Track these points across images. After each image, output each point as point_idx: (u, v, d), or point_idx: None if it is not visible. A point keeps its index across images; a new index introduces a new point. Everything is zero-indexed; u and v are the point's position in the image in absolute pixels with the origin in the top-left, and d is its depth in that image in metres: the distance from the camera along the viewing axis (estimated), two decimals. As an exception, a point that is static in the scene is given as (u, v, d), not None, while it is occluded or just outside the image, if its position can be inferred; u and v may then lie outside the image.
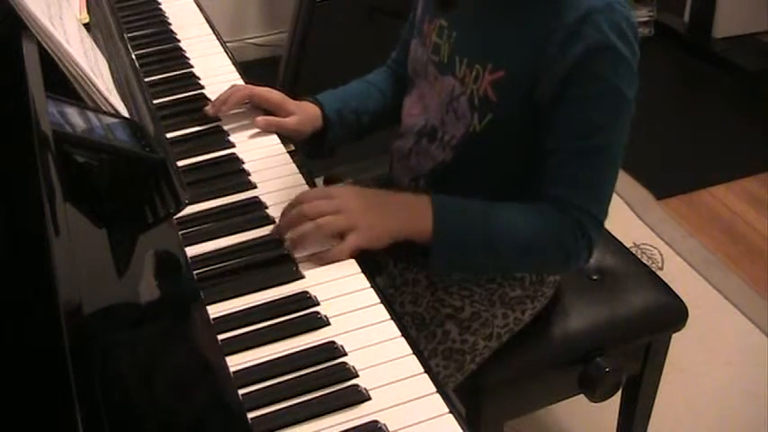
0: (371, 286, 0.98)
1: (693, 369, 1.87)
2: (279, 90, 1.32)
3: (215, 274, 0.99)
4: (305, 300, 0.96)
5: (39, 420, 0.60)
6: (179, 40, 1.51)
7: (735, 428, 1.78)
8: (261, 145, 1.24)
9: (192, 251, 1.01)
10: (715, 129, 2.73)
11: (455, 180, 1.19)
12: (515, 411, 1.40)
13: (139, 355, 0.79)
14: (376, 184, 1.40)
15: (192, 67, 1.43)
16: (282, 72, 2.58)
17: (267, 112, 1.29)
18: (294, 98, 1.32)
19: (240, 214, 1.09)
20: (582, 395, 1.31)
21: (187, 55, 1.46)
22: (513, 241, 1.09)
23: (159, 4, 1.64)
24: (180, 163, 1.14)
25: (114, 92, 1.05)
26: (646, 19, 3.16)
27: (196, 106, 1.31)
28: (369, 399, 0.84)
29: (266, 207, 1.10)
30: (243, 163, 1.19)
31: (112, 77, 1.10)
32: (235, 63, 1.44)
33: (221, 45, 1.50)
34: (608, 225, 1.14)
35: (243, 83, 1.37)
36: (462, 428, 0.82)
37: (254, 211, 1.10)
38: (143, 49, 1.46)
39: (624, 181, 2.44)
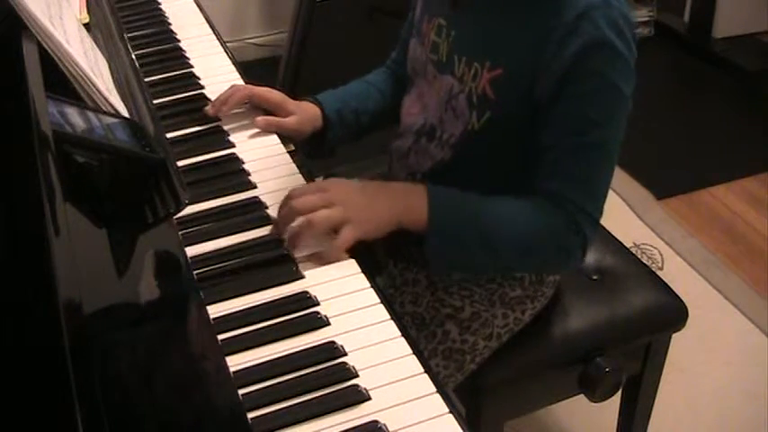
0: (371, 286, 0.98)
1: (693, 369, 1.87)
2: (279, 90, 1.32)
3: (215, 274, 0.99)
4: (305, 300, 0.96)
5: (39, 420, 0.60)
6: (179, 40, 1.51)
7: (735, 428, 1.78)
8: (261, 145, 1.24)
9: (191, 251, 1.01)
10: (715, 129, 2.73)
11: (454, 179, 1.18)
12: (515, 411, 1.40)
13: (139, 355, 0.79)
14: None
15: (192, 67, 1.43)
16: (282, 72, 2.58)
17: (267, 112, 1.29)
18: (294, 98, 1.32)
19: (240, 214, 1.09)
20: (582, 395, 1.31)
21: (187, 55, 1.46)
22: (508, 232, 1.09)
23: (159, 4, 1.64)
24: (180, 163, 1.14)
25: (114, 92, 1.05)
26: (646, 19, 3.16)
27: (196, 106, 1.31)
28: (369, 399, 0.84)
29: (266, 207, 1.10)
30: (243, 163, 1.19)
31: (112, 77, 1.10)
32: (235, 63, 1.44)
33: (221, 45, 1.50)
34: (608, 225, 1.14)
35: (243, 83, 1.37)
36: (462, 428, 0.82)
37: (254, 211, 1.10)
38: (143, 49, 1.46)
39: (624, 181, 2.45)
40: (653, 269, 1.45)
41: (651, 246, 2.21)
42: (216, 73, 1.41)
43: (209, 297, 0.95)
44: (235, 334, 0.91)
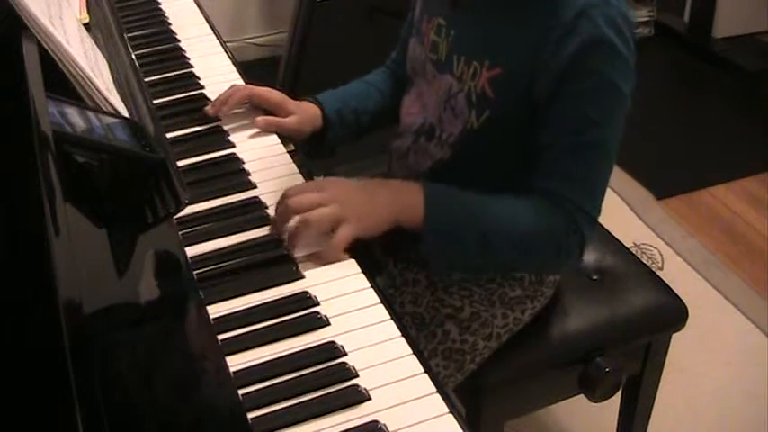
0: (371, 286, 0.98)
1: (693, 369, 1.87)
2: (279, 90, 1.32)
3: (215, 274, 0.99)
4: (305, 300, 0.96)
5: (39, 420, 0.60)
6: (179, 40, 1.51)
7: (735, 428, 1.78)
8: (261, 145, 1.24)
9: (191, 251, 1.01)
10: (715, 129, 2.73)
11: (453, 178, 1.18)
12: (515, 411, 1.40)
13: (139, 355, 0.79)
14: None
15: (192, 67, 1.43)
16: (282, 72, 2.58)
17: (267, 112, 1.29)
18: (294, 98, 1.32)
19: (240, 214, 1.09)
20: (582, 395, 1.31)
21: (187, 55, 1.46)
22: (505, 230, 1.08)
23: (159, 4, 1.64)
24: (180, 163, 1.14)
25: (114, 92, 1.05)
26: (646, 19, 3.16)
27: (196, 106, 1.31)
28: (369, 399, 0.84)
29: (266, 207, 1.10)
30: (243, 163, 1.19)
31: (112, 77, 1.10)
32: (235, 63, 1.44)
33: (221, 45, 1.50)
34: (608, 225, 1.14)
35: (243, 83, 1.37)
36: (462, 428, 0.82)
37: (254, 211, 1.10)
38: (143, 49, 1.46)
39: (624, 181, 2.45)
40: (653, 269, 1.45)
41: (651, 246, 2.21)
42: (216, 73, 1.41)
43: (209, 297, 0.95)
44: (235, 334, 0.91)
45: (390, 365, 0.88)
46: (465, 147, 1.16)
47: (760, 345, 1.96)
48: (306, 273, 0.99)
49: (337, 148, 1.37)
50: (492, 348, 1.24)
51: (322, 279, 0.99)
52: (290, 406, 0.83)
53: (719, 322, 2.01)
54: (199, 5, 1.64)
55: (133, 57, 1.27)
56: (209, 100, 1.31)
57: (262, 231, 1.06)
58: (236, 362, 0.87)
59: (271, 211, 1.09)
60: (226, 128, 1.27)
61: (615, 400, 1.40)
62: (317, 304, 0.95)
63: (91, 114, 0.94)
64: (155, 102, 1.27)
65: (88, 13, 1.26)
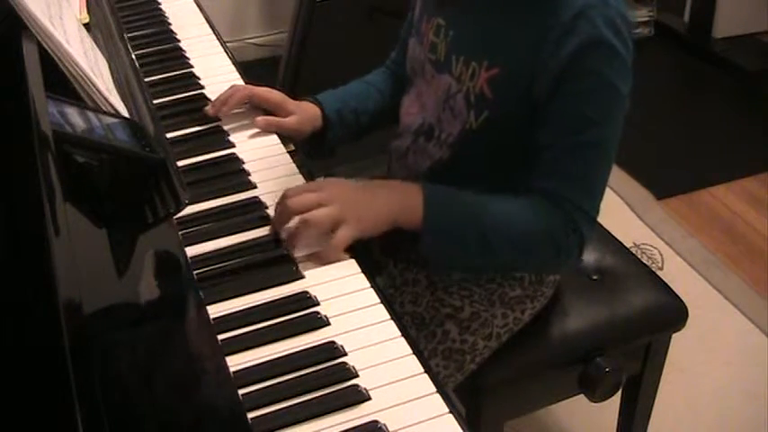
0: (371, 286, 0.98)
1: (693, 369, 1.87)
2: (279, 90, 1.32)
3: (215, 274, 0.99)
4: (305, 300, 0.96)
5: (39, 420, 0.60)
6: (179, 40, 1.51)
7: (735, 428, 1.78)
8: (261, 145, 1.24)
9: (191, 251, 1.01)
10: (715, 129, 2.73)
11: (453, 178, 1.18)
12: (515, 411, 1.40)
13: (139, 355, 0.79)
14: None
15: (192, 67, 1.43)
16: (282, 72, 2.58)
17: (267, 112, 1.29)
18: (294, 98, 1.32)
19: (240, 214, 1.09)
20: (582, 395, 1.31)
21: (187, 55, 1.46)
22: (504, 230, 1.08)
23: (159, 4, 1.64)
24: (180, 163, 1.14)
25: (114, 92, 1.05)
26: (646, 19, 3.16)
27: (196, 106, 1.31)
28: (369, 399, 0.84)
29: (266, 207, 1.10)
30: (243, 163, 1.19)
31: (112, 77, 1.10)
32: (235, 63, 1.44)
33: (221, 45, 1.50)
34: (608, 225, 1.14)
35: (243, 83, 1.37)
36: (462, 428, 0.82)
37: (254, 211, 1.10)
38: (143, 49, 1.46)
39: (624, 181, 2.45)
40: (653, 269, 1.45)
41: (651, 246, 2.21)
42: (216, 73, 1.41)
43: (209, 297, 0.95)
44: (235, 334, 0.91)
45: (390, 365, 0.88)
46: (464, 147, 1.16)
47: (760, 345, 1.96)
48: (306, 273, 0.99)
49: (337, 148, 1.37)
50: (492, 348, 1.24)
51: (322, 279, 0.99)
52: (290, 406, 0.83)
53: (719, 322, 2.01)
54: (199, 5, 1.64)
55: (133, 57, 1.27)
56: (209, 100, 1.31)
57: (262, 231, 1.06)
58: (236, 362, 0.87)
59: (271, 211, 1.09)
60: (226, 128, 1.27)
61: (615, 400, 1.40)
62: (317, 304, 0.95)
63: (91, 114, 0.94)
64: (155, 102, 1.27)
65: (88, 13, 1.26)
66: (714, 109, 2.84)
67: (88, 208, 0.87)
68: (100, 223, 0.87)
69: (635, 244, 2.18)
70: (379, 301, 0.96)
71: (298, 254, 1.01)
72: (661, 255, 2.19)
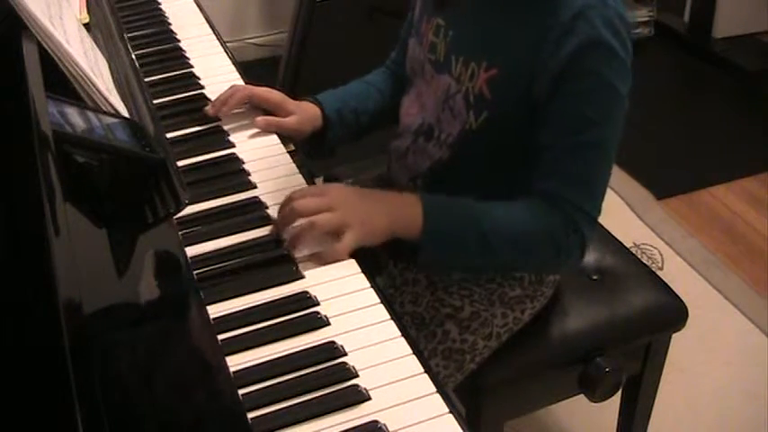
0: (371, 286, 0.98)
1: (693, 369, 1.87)
2: (279, 90, 1.32)
3: (215, 274, 0.99)
4: (305, 300, 0.96)
5: (39, 420, 0.60)
6: (179, 40, 1.51)
7: (735, 428, 1.78)
8: (261, 145, 1.24)
9: (191, 251, 1.01)
10: (715, 129, 2.73)
11: (452, 178, 1.19)
12: (515, 411, 1.40)
13: (139, 355, 0.79)
14: (374, 184, 1.40)
15: (192, 67, 1.43)
16: (282, 72, 2.58)
17: (267, 112, 1.29)
18: (294, 98, 1.32)
19: (240, 214, 1.09)
20: (582, 395, 1.31)
21: (187, 55, 1.46)
22: (502, 237, 1.09)
23: (159, 4, 1.64)
24: (180, 163, 1.14)
25: (114, 92, 1.05)
26: (646, 19, 3.16)
27: (196, 106, 1.31)
28: (369, 399, 0.84)
29: (266, 207, 1.10)
30: (243, 163, 1.19)
31: (112, 77, 1.10)
32: (235, 63, 1.44)
33: (221, 45, 1.50)
34: (608, 225, 1.14)
35: (243, 83, 1.37)
36: (462, 428, 0.82)
37: (254, 211, 1.10)
38: (143, 49, 1.46)
39: (624, 181, 2.45)
40: (653, 269, 1.45)
41: (651, 246, 2.21)
42: (216, 73, 1.41)
43: (209, 297, 0.95)
44: (235, 334, 0.91)
45: (390, 365, 0.88)
46: (464, 147, 1.16)
47: (760, 345, 1.96)
48: (306, 273, 0.99)
49: (337, 148, 1.37)
50: (492, 348, 1.24)
51: (322, 279, 0.99)
52: (290, 406, 0.83)
53: (719, 322, 2.01)
54: (199, 5, 1.64)
55: (133, 57, 1.27)
56: (209, 100, 1.31)
57: (262, 231, 1.06)
58: (236, 362, 0.87)
59: (270, 211, 1.09)
60: (226, 128, 1.27)
61: (615, 400, 1.40)
62: (317, 304, 0.95)
63: (91, 114, 0.94)
64: (155, 102, 1.27)
65: (88, 13, 1.26)
66: (714, 109, 2.84)
67: (88, 208, 0.87)
68: (100, 223, 0.87)
69: (635, 244, 2.18)
70: (379, 301, 0.96)
71: (298, 255, 1.02)
72: (661, 255, 2.19)
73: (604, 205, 1.13)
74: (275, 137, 1.26)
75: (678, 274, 2.09)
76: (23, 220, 0.78)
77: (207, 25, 1.57)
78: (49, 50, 0.97)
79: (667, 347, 1.40)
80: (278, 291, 0.97)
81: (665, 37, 3.18)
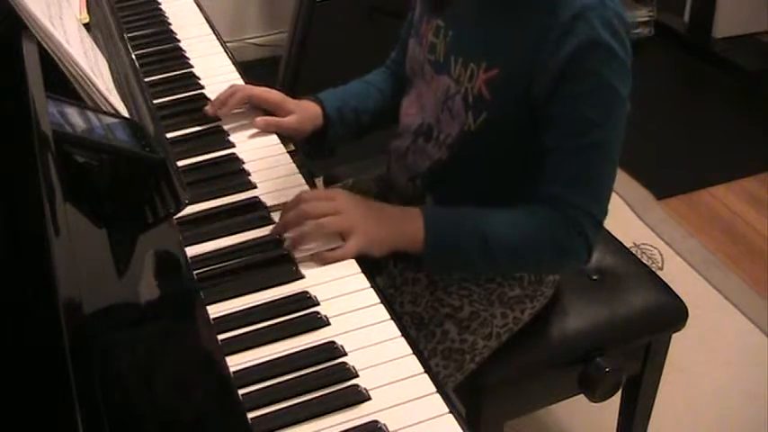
0: (371, 286, 0.99)
1: (693, 369, 1.87)
2: (279, 90, 1.32)
3: (215, 274, 0.99)
4: (305, 300, 0.96)
5: (39, 420, 0.60)
6: (179, 40, 1.51)
7: (735, 428, 1.78)
8: (261, 145, 1.24)
9: (191, 251, 1.01)
10: (715, 129, 2.73)
11: (452, 179, 1.19)
12: (515, 411, 1.40)
13: (139, 355, 0.79)
14: (375, 184, 1.40)
15: (192, 67, 1.43)
16: (282, 72, 2.58)
17: (267, 112, 1.29)
18: (294, 98, 1.32)
19: (240, 214, 1.09)
20: (582, 395, 1.31)
21: (187, 55, 1.46)
22: (504, 245, 1.10)
23: (159, 4, 1.64)
24: (180, 163, 1.14)
25: (114, 92, 1.05)
26: (646, 19, 3.16)
27: (196, 106, 1.31)
28: (369, 399, 0.84)
29: (266, 207, 1.10)
30: (243, 163, 1.20)
31: (112, 77, 1.10)
32: (235, 63, 1.44)
33: (221, 45, 1.50)
34: (608, 225, 1.14)
35: (243, 83, 1.37)
36: (462, 428, 0.83)
37: (254, 211, 1.10)
38: (143, 49, 1.46)
39: (624, 181, 2.44)
40: (653, 269, 1.45)
41: (651, 246, 2.21)
42: (216, 73, 1.41)
43: (209, 297, 0.95)
44: (235, 334, 0.91)
45: (390, 365, 0.88)
46: (463, 148, 1.17)
47: (760, 345, 1.96)
48: (306, 273, 0.99)
49: (337, 148, 1.37)
50: (491, 348, 1.24)
51: (322, 279, 0.99)
52: (290, 406, 0.83)
53: (719, 322, 2.01)
54: (199, 5, 1.64)
55: (133, 57, 1.27)
56: (209, 100, 1.31)
57: (262, 231, 1.06)
58: (236, 362, 0.87)
59: (271, 212, 1.09)
60: (226, 128, 1.27)
61: (615, 400, 1.40)
62: (317, 304, 0.95)
63: (91, 114, 0.94)
64: (155, 102, 1.27)
65: (88, 13, 1.26)
66: (714, 109, 2.84)
67: (88, 208, 0.87)
68: (100, 223, 0.87)
69: (635, 244, 2.18)
70: (379, 301, 0.96)
71: (299, 255, 1.02)
72: (661, 255, 2.18)
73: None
74: (275, 137, 1.26)
75: (678, 274, 2.09)
76: (23, 220, 0.78)
77: (207, 25, 1.57)
78: (49, 50, 0.97)
79: (667, 347, 1.40)
80: (278, 291, 0.97)
81: (665, 37, 3.18)
